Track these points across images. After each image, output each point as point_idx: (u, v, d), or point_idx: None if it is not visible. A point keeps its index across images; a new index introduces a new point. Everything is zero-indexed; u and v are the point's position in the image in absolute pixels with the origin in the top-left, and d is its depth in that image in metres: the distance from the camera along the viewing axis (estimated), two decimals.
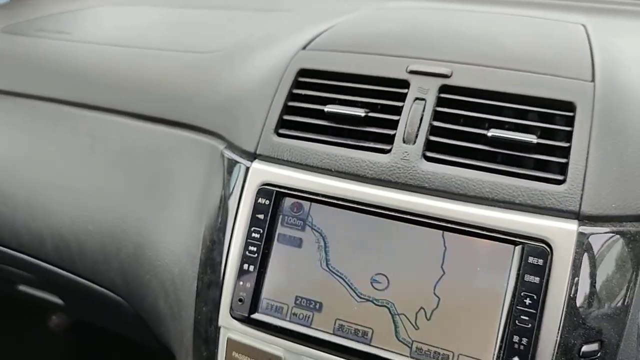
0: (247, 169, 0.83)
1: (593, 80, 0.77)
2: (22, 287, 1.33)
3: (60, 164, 1.07)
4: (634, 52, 0.87)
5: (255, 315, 0.78)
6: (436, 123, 0.77)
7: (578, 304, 0.67)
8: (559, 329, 0.67)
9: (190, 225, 0.91)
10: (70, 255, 1.05)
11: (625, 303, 0.68)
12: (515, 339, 0.67)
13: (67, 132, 1.08)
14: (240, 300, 0.79)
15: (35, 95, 1.13)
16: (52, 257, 1.07)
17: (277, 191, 0.79)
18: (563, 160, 0.72)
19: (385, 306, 0.73)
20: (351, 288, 0.75)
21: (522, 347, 0.67)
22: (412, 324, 0.72)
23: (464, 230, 0.71)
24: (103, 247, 1.01)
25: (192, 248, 0.89)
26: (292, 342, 0.76)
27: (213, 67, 1.00)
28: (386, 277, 0.73)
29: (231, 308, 0.79)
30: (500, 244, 0.69)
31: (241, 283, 0.79)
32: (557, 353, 0.66)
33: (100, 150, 1.05)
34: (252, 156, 0.84)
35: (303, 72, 0.87)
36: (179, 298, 0.90)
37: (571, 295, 0.67)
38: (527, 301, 0.67)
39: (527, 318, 0.67)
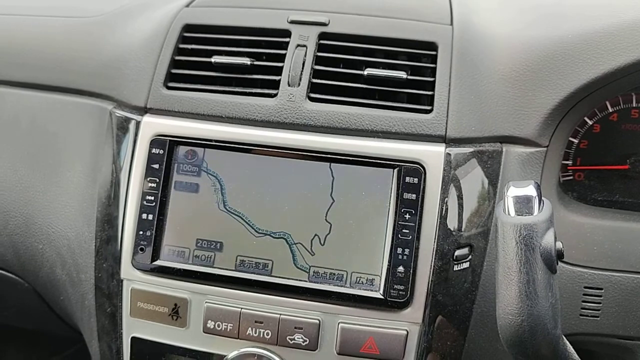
0: (139, 123, 0.84)
1: (452, 24, 0.87)
2: None
3: None
4: (485, 3, 0.98)
5: (158, 262, 0.80)
6: (317, 67, 0.83)
7: (449, 215, 0.76)
8: (435, 238, 0.76)
9: (83, 186, 0.90)
10: None
11: (488, 211, 0.79)
12: (399, 250, 0.75)
13: None
14: (141, 249, 0.80)
15: None
16: None
17: (170, 140, 0.81)
18: (430, 93, 0.81)
19: (282, 237, 0.78)
20: (249, 225, 0.79)
21: (405, 257, 0.75)
22: (308, 250, 0.77)
23: (349, 159, 0.78)
24: None
25: (87, 208, 0.88)
26: (197, 283, 0.79)
27: (95, 31, 0.99)
28: (281, 210, 0.78)
29: (133, 259, 0.80)
30: (381, 168, 0.77)
31: (141, 233, 0.80)
32: (435, 258, 0.75)
33: None
34: (143, 111, 0.85)
35: (188, 28, 0.89)
36: (77, 262, 0.89)
37: (443, 208, 0.76)
38: (407, 216, 0.75)
39: (407, 231, 0.75)
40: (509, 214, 0.62)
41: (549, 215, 0.61)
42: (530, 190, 0.62)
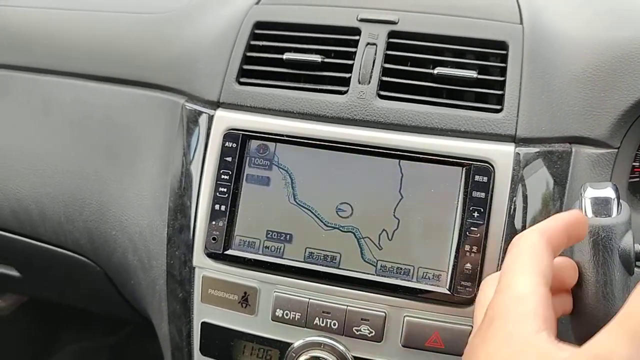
0: (212, 117, 0.87)
1: (521, 23, 0.87)
2: None
3: (14, 130, 1.06)
4: (553, 3, 0.98)
5: (229, 252, 0.83)
6: (387, 65, 0.84)
7: (517, 214, 0.77)
8: (502, 236, 0.76)
9: (156, 177, 0.94)
10: (30, 219, 1.05)
11: (555, 211, 0.79)
12: (467, 247, 0.76)
13: (18, 97, 1.07)
14: (213, 239, 0.83)
15: None
16: (10, 223, 1.07)
17: (243, 134, 0.84)
18: (500, 92, 0.81)
19: (351, 232, 0.80)
20: (318, 218, 0.81)
21: (472, 254, 0.76)
22: (375, 245, 0.79)
23: (418, 157, 0.79)
24: (66, 208, 1.02)
25: (159, 198, 0.92)
26: (266, 273, 0.82)
27: (166, 26, 1.02)
28: (350, 205, 0.80)
29: (205, 247, 0.84)
30: (450, 167, 0.78)
31: (214, 223, 0.83)
32: (502, 257, 0.76)
33: (55, 113, 1.04)
34: (216, 105, 0.88)
35: (259, 25, 0.92)
36: (149, 248, 0.93)
37: (511, 207, 0.77)
38: (475, 214, 0.76)
39: (475, 229, 0.76)
40: (586, 214, 0.63)
41: (627, 218, 0.62)
42: (608, 192, 0.62)
